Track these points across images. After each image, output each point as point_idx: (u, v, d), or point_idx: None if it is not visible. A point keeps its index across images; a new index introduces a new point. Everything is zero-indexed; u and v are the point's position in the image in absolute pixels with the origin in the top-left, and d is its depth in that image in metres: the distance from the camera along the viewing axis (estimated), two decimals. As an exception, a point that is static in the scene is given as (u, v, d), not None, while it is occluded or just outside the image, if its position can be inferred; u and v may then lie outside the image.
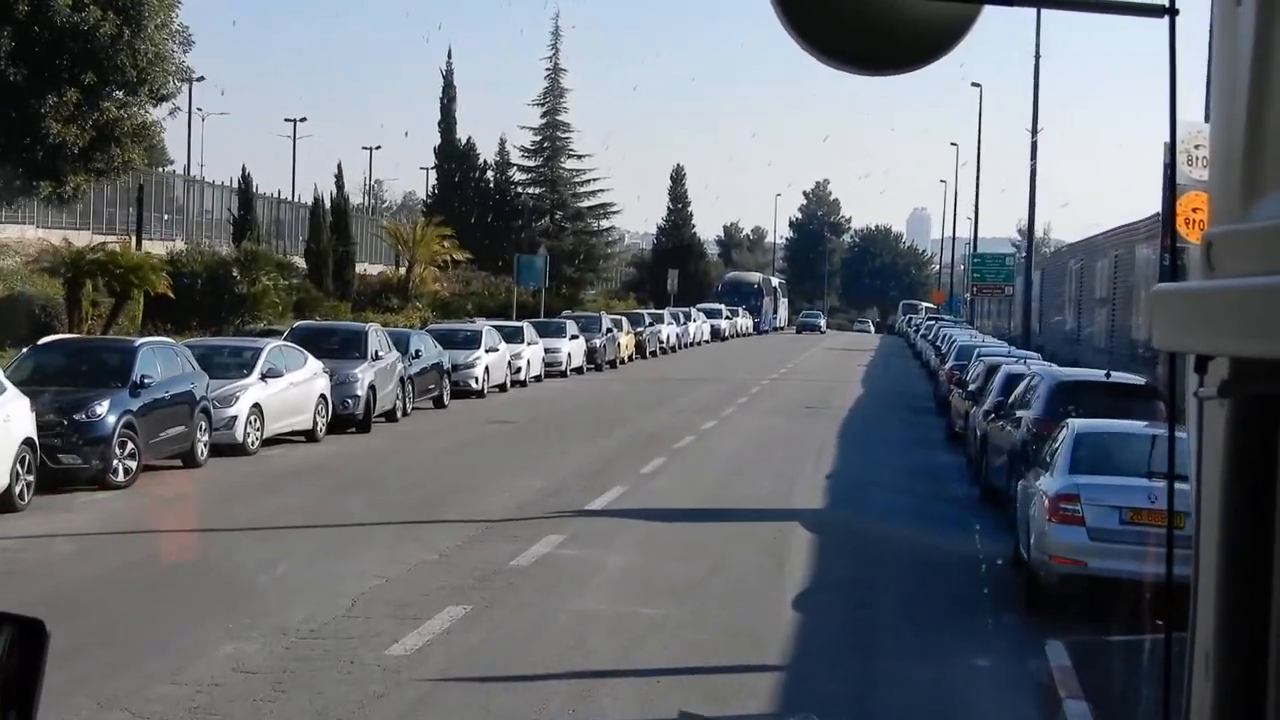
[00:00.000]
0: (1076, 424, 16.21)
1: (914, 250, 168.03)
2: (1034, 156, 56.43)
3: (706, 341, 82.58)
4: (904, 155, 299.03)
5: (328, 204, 64.30)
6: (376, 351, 31.31)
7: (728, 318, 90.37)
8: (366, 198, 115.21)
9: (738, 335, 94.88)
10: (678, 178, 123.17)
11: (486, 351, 40.52)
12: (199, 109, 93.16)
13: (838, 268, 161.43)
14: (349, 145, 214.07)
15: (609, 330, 54.63)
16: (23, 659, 2.12)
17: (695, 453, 27.88)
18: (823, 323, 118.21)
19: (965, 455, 27.64)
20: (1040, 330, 77.85)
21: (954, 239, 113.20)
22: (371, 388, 30.32)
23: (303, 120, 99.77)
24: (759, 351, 73.79)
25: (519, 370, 43.87)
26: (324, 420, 28.33)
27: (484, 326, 42.66)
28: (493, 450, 27.45)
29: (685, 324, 75.21)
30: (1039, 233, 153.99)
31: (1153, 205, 42.42)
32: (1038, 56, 57.07)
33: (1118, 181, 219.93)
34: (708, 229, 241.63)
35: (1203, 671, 1.64)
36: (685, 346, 74.60)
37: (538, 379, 46.14)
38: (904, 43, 2.03)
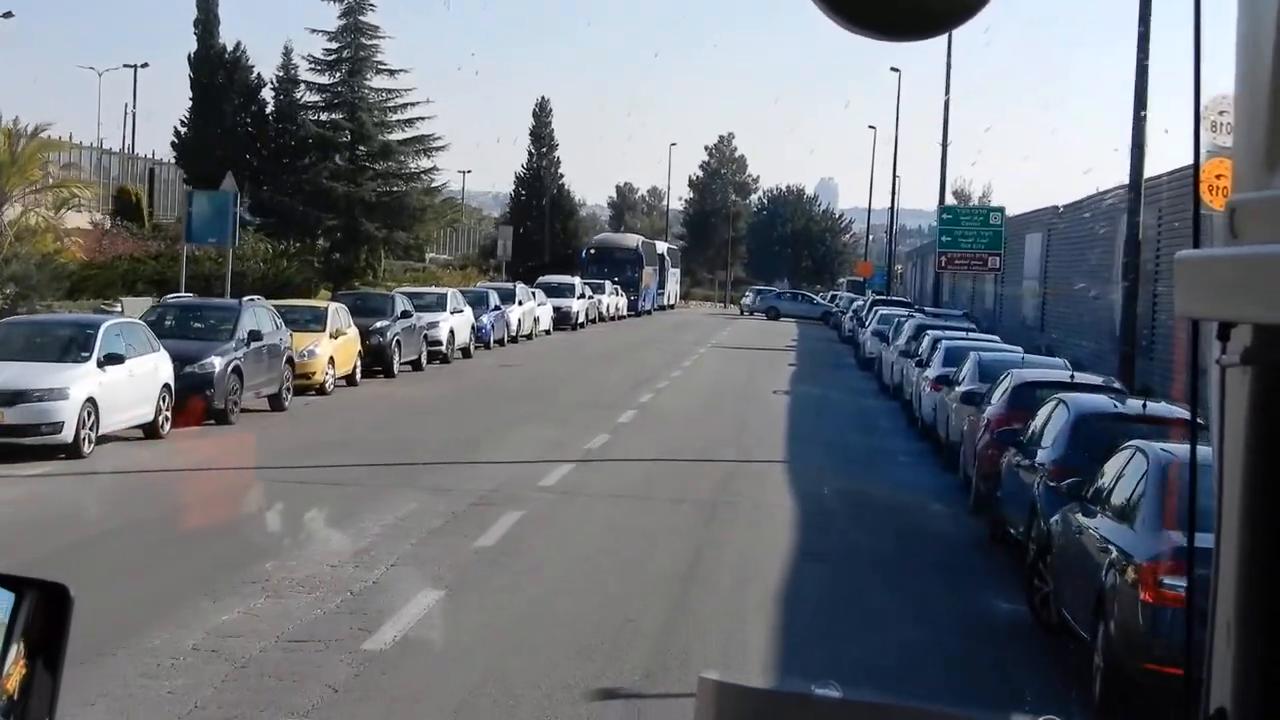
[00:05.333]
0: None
1: (830, 214, 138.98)
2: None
3: (546, 333, 52.91)
4: (813, 114, 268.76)
5: None
6: None
7: (584, 296, 60.51)
8: (131, 133, 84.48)
9: (603, 319, 65.21)
10: (542, 113, 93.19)
11: None
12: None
13: (743, 234, 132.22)
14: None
15: (246, 340, 24.58)
16: (48, 622, 2.06)
17: None
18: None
19: None
20: (1041, 323, 49.20)
21: (894, 201, 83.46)
22: None
23: (7, 15, 67.63)
24: (613, 356, 44.14)
25: None
26: None
27: None
28: None
29: (502, 310, 45.33)
30: (976, 194, 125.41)
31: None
32: None
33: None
34: (599, 190, 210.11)
35: (1224, 640, 1.57)
36: (503, 343, 44.98)
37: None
38: (932, 4, 1.79)
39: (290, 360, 26.26)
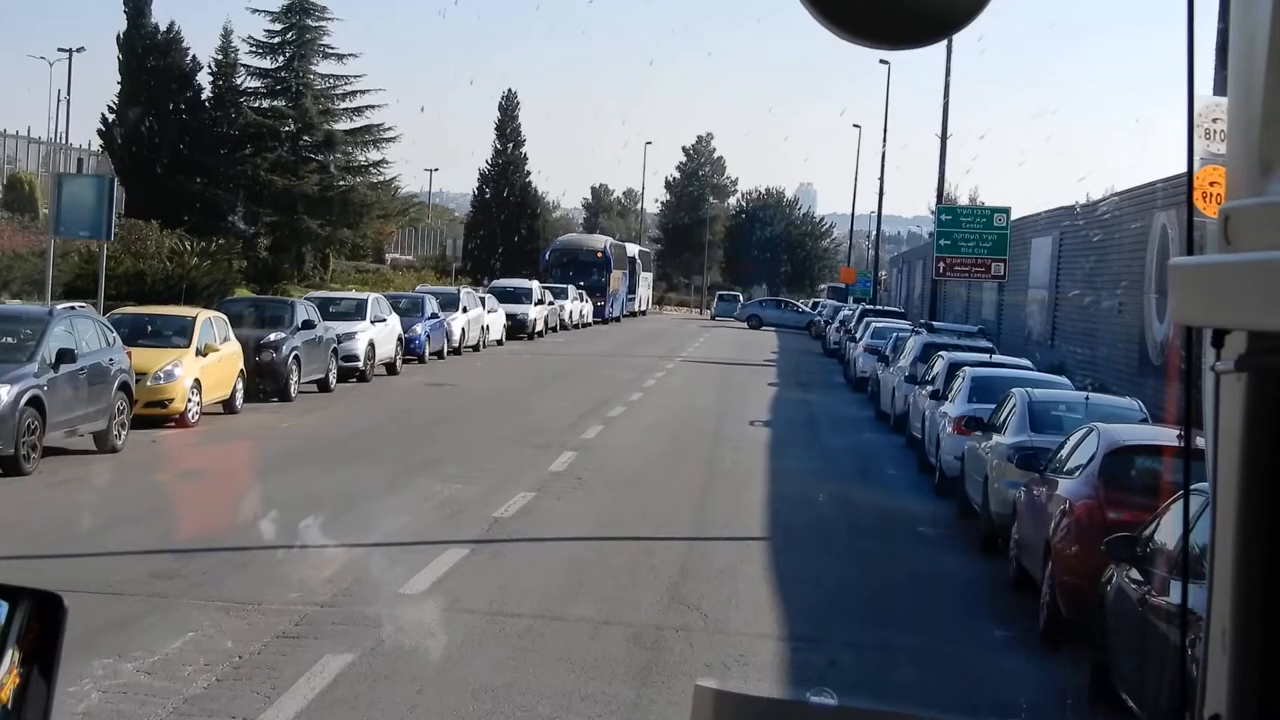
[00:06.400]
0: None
1: (810, 218, 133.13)
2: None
3: (498, 343, 46.79)
4: (792, 119, 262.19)
5: None
6: None
7: (543, 302, 54.19)
8: (65, 122, 78.16)
9: (565, 327, 59.08)
10: (508, 107, 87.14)
11: None
12: None
13: (721, 237, 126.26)
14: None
15: (54, 362, 18.16)
16: (42, 631, 2.06)
17: None
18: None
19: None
20: (1051, 338, 43.63)
21: (880, 204, 76.93)
22: None
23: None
24: (566, 372, 37.98)
25: None
26: None
27: None
28: None
29: (441, 319, 39.00)
30: (962, 202, 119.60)
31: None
32: None
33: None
34: (577, 194, 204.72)
35: (1220, 646, 1.56)
36: (443, 356, 38.88)
37: None
38: (926, 13, 1.77)
39: (126, 386, 20.03)
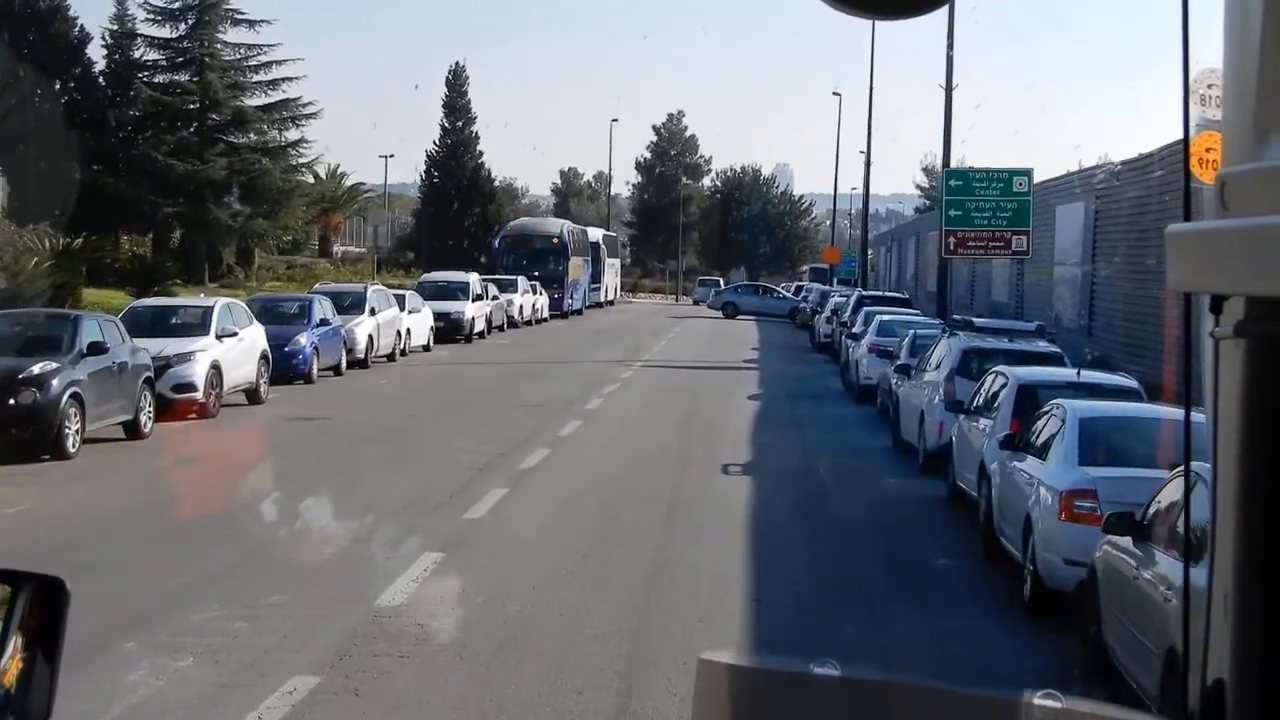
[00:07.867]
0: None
1: (790, 196, 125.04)
2: None
3: (425, 349, 38.52)
4: (766, 94, 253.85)
5: None
6: None
7: (482, 297, 45.57)
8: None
9: (515, 324, 50.74)
10: (456, 81, 78.65)
11: None
12: None
13: (696, 219, 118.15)
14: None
15: None
16: (45, 615, 2.02)
17: None
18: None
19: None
20: (1088, 326, 36.08)
21: (867, 174, 68.44)
22: None
23: None
24: (488, 392, 29.57)
25: None
26: None
27: None
28: None
29: (339, 326, 30.67)
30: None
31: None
32: None
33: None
34: (543, 177, 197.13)
35: (1221, 612, 1.55)
36: (340, 372, 30.69)
37: None
38: None
39: None
